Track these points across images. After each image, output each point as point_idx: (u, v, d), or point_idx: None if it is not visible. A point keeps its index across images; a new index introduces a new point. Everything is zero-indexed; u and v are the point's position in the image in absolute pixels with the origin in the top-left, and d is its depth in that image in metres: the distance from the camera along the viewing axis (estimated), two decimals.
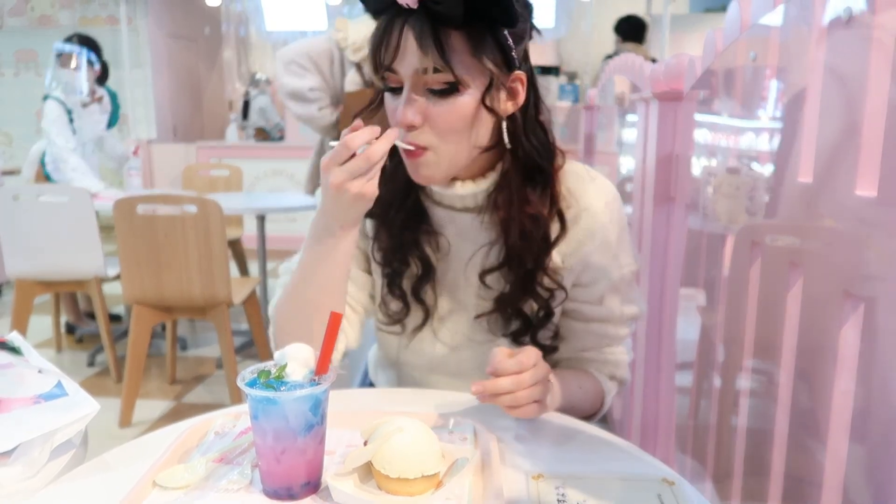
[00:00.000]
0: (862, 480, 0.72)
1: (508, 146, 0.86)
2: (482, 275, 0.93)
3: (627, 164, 2.16)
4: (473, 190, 0.89)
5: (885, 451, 0.67)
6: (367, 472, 0.69)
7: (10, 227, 2.62)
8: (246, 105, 6.45)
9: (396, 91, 0.81)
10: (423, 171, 0.84)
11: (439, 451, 0.68)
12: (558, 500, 0.66)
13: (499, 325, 0.95)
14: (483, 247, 0.93)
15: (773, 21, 0.98)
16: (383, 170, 0.94)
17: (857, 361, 0.72)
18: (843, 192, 0.73)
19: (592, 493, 0.67)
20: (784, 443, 0.89)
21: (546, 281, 0.91)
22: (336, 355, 0.93)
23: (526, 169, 0.87)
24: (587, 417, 0.98)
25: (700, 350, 1.38)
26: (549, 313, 0.93)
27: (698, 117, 1.40)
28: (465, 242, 0.95)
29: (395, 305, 0.98)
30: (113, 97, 3.40)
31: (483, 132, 0.84)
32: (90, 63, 3.17)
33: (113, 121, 3.37)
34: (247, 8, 7.41)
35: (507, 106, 0.84)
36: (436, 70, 0.77)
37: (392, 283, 0.96)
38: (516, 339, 0.95)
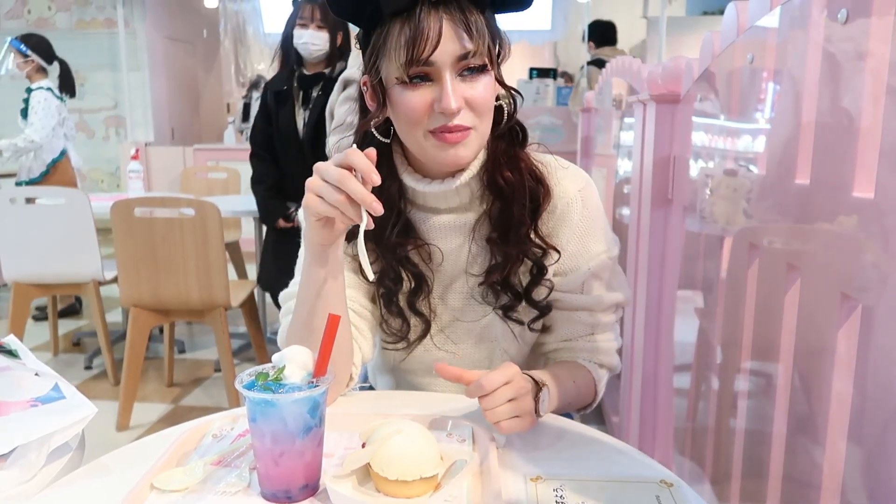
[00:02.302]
0: (860, 482, 0.72)
1: (508, 111, 0.90)
2: (487, 241, 0.93)
3: (625, 166, 2.17)
4: (460, 181, 0.90)
5: (882, 452, 0.67)
6: (366, 474, 0.68)
7: (6, 229, 2.62)
8: (246, 107, 6.43)
9: (422, 84, 0.82)
10: (462, 152, 0.86)
11: (438, 454, 0.68)
12: (557, 502, 0.66)
13: (490, 297, 0.96)
14: (473, 232, 0.95)
15: (770, 23, 0.98)
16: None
17: (854, 363, 0.72)
18: (841, 193, 0.73)
19: (591, 495, 0.67)
20: (782, 444, 0.89)
21: (537, 240, 0.93)
22: (353, 370, 0.93)
23: (514, 131, 0.92)
24: (582, 409, 0.99)
25: (698, 352, 1.38)
26: (543, 269, 0.93)
27: (696, 119, 1.40)
28: (453, 240, 0.95)
29: (395, 323, 0.98)
30: (29, 91, 3.67)
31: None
32: (24, 56, 3.63)
33: (22, 113, 3.68)
34: (244, 10, 7.41)
35: (500, 77, 0.89)
36: (476, 54, 0.80)
37: (388, 301, 0.96)
38: (507, 313, 0.96)
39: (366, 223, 0.74)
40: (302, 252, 0.94)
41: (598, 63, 4.14)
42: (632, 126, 1.87)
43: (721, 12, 1.36)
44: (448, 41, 0.79)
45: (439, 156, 0.86)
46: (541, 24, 6.14)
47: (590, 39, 4.81)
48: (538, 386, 0.82)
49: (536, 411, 0.81)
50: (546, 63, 6.93)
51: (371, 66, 0.85)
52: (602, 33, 4.80)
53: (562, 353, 0.99)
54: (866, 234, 0.69)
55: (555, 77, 5.42)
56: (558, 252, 0.93)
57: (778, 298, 0.90)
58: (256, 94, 6.43)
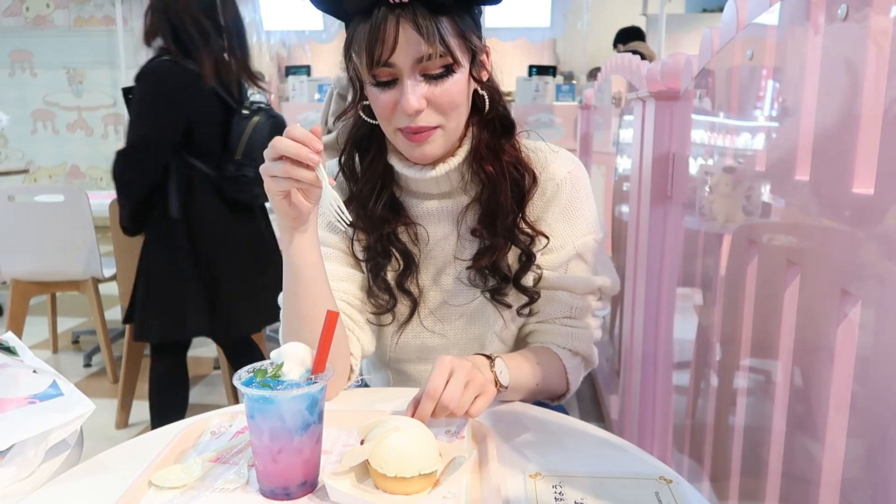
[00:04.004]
0: (860, 479, 0.72)
1: (487, 108, 0.92)
2: (472, 232, 0.95)
3: (624, 163, 2.17)
4: (448, 168, 0.92)
5: (882, 449, 0.67)
6: (364, 471, 0.68)
7: (5, 227, 2.62)
8: None
9: (388, 84, 0.85)
10: (428, 150, 0.88)
11: (436, 450, 0.68)
12: (556, 499, 0.66)
13: (478, 280, 0.97)
14: (461, 219, 0.97)
15: (770, 20, 0.98)
16: (352, 167, 0.98)
17: (854, 360, 0.72)
18: (840, 189, 0.73)
19: (590, 492, 0.67)
20: (781, 441, 0.89)
21: (525, 228, 0.94)
22: (353, 361, 0.94)
23: (500, 125, 0.94)
24: (555, 399, 0.99)
25: (697, 349, 1.38)
26: (531, 256, 0.95)
27: (695, 116, 1.40)
28: (443, 226, 0.98)
29: (382, 297, 0.99)
30: None
31: (469, 103, 0.90)
32: None
33: None
34: (243, 9, 7.39)
35: (482, 75, 0.91)
36: (433, 56, 0.81)
37: (376, 276, 0.98)
38: (495, 296, 0.97)
39: (326, 181, 0.77)
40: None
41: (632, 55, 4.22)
42: (631, 123, 1.87)
43: (720, 9, 1.36)
44: (405, 44, 0.81)
45: (407, 152, 0.90)
46: (540, 21, 6.14)
47: (617, 42, 4.93)
48: (490, 360, 0.84)
49: (497, 383, 0.82)
50: (545, 60, 6.91)
51: (347, 59, 0.88)
52: (629, 32, 4.95)
53: (537, 335, 0.99)
54: (866, 231, 0.69)
55: (554, 74, 5.41)
56: (547, 238, 0.95)
57: (777, 295, 0.90)
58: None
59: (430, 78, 0.83)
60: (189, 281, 1.92)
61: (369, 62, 0.82)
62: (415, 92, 0.83)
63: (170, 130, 1.84)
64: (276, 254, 2.04)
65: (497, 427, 0.80)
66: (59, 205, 2.60)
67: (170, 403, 2.07)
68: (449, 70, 0.84)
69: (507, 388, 0.84)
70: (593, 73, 6.27)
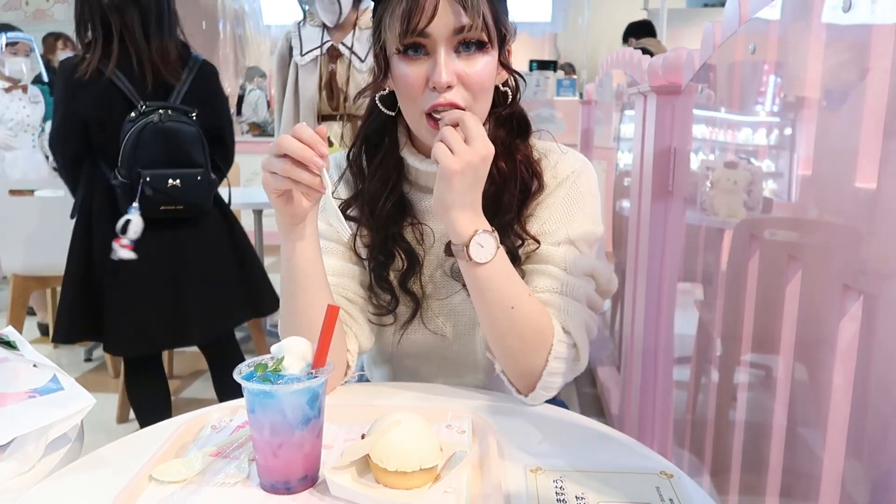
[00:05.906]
0: (860, 474, 0.72)
1: (510, 100, 0.91)
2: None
3: (625, 159, 2.16)
4: None
5: (883, 444, 0.67)
6: (365, 465, 0.68)
7: (5, 222, 2.62)
8: (240, 99, 6.44)
9: (418, 60, 0.82)
10: None
11: (437, 445, 0.68)
12: (556, 494, 0.66)
13: (458, 274, 0.94)
14: None
15: (772, 15, 0.97)
16: (360, 164, 0.96)
17: (855, 355, 0.72)
18: (843, 184, 0.73)
19: (591, 487, 0.67)
20: (782, 436, 0.89)
21: (519, 230, 0.93)
22: (350, 358, 0.93)
23: (517, 124, 0.93)
24: (525, 388, 0.87)
25: (698, 344, 1.38)
26: (517, 258, 0.92)
27: (696, 111, 1.40)
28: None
29: (384, 297, 0.98)
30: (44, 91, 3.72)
31: (492, 92, 0.88)
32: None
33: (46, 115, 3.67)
34: (243, 3, 7.38)
35: (507, 63, 0.90)
36: (472, 28, 0.80)
37: (379, 276, 0.97)
38: None
39: (330, 188, 0.76)
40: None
41: (643, 52, 4.18)
42: (632, 118, 1.86)
43: (722, 4, 1.35)
44: (444, 14, 0.80)
45: (432, 141, 0.85)
46: (541, 15, 6.13)
47: (629, 36, 4.91)
48: (478, 231, 0.80)
49: (467, 253, 0.79)
50: (546, 55, 6.91)
51: (376, 35, 0.86)
52: (640, 27, 4.92)
53: None
54: (869, 225, 0.69)
55: (555, 69, 5.41)
56: (538, 242, 0.92)
57: (779, 290, 0.90)
58: (250, 87, 6.43)
59: (463, 55, 0.82)
60: (101, 289, 1.88)
61: (403, 31, 0.80)
62: (448, 65, 0.81)
63: (71, 128, 1.78)
64: (201, 272, 1.88)
65: (498, 422, 0.80)
66: (59, 200, 2.60)
67: (148, 412, 2.01)
68: (482, 48, 0.83)
69: (478, 264, 0.80)
70: (565, 68, 6.25)
